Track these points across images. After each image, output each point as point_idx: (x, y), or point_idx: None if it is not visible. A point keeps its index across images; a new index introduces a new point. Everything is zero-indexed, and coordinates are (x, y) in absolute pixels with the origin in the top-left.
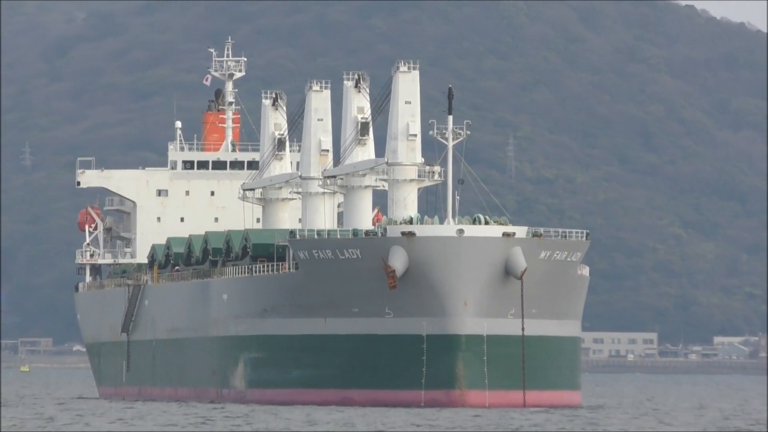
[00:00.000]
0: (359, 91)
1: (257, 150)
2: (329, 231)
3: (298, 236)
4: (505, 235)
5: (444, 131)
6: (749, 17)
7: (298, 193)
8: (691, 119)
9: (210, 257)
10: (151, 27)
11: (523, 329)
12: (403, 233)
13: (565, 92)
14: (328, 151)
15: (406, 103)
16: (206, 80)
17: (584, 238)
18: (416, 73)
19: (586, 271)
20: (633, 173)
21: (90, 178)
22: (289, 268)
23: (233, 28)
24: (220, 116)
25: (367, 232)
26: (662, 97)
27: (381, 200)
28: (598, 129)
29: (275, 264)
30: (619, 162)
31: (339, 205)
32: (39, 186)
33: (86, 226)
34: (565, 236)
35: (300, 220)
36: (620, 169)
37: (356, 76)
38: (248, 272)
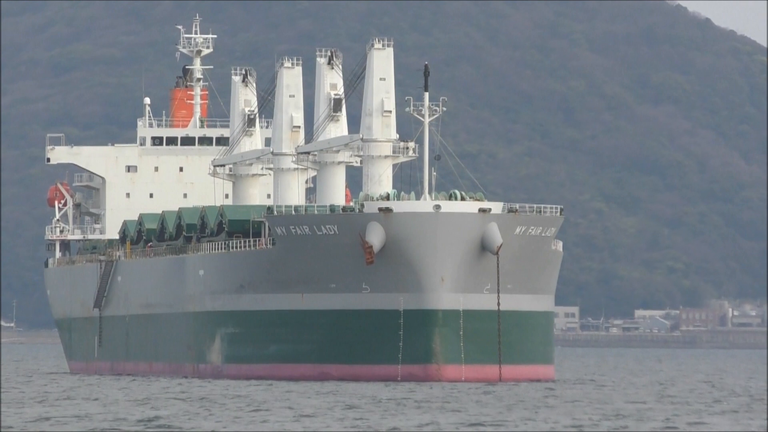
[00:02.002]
0: (332, 68)
1: (226, 126)
2: (306, 207)
3: (275, 212)
4: (481, 210)
5: (420, 108)
6: None
7: (270, 169)
8: (611, 94)
9: (184, 233)
10: (71, 2)
11: (498, 304)
12: (380, 209)
13: (487, 68)
14: (299, 127)
15: (380, 79)
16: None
17: (558, 214)
18: (390, 50)
19: (559, 246)
20: (554, 148)
21: (59, 155)
22: (266, 244)
23: (154, 4)
24: (188, 93)
25: (344, 208)
26: (583, 72)
27: (353, 176)
28: (519, 104)
29: (252, 240)
30: (541, 137)
31: (306, 181)
32: None
33: (56, 202)
34: (540, 212)
35: (269, 196)
36: (542, 144)
37: (329, 53)
38: (225, 248)
